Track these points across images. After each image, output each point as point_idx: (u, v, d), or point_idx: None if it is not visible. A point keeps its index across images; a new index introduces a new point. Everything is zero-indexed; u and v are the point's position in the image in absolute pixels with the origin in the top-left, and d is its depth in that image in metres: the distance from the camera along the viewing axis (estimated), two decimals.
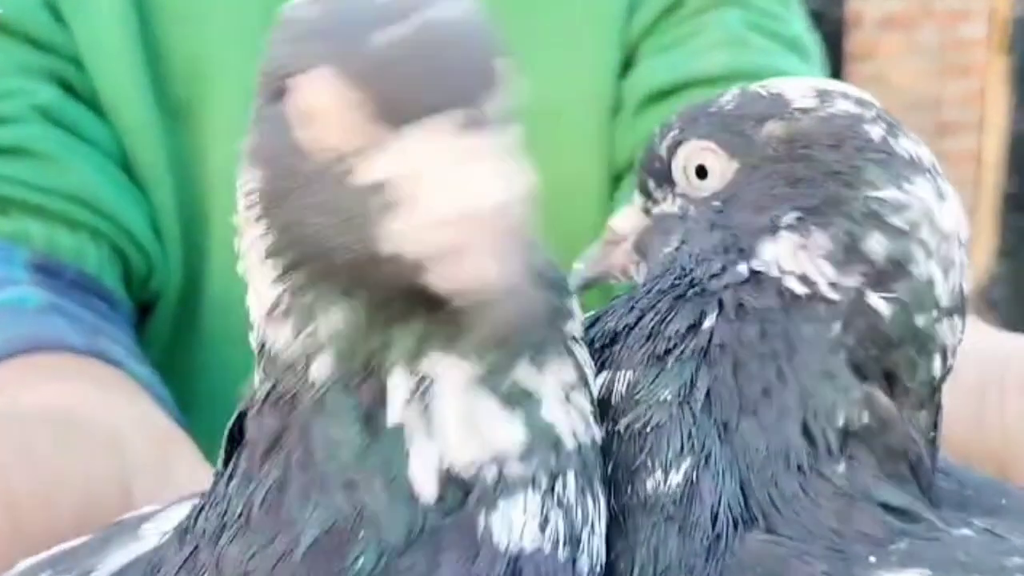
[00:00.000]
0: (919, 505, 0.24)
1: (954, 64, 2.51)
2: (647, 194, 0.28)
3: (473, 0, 0.23)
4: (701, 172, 0.26)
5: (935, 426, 0.25)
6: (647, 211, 0.28)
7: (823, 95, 0.24)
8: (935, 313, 0.22)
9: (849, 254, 0.23)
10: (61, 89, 0.49)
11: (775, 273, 0.24)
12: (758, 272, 0.24)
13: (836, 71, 2.32)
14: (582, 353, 0.24)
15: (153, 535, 0.26)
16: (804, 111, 0.24)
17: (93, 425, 0.34)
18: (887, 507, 0.23)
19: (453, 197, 0.21)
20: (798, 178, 0.23)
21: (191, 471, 0.35)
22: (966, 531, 0.24)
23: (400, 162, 0.21)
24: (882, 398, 0.23)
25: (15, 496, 0.30)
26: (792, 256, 0.23)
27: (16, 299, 0.43)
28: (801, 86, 0.25)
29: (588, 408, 0.24)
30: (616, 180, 0.53)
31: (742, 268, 0.24)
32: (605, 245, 0.30)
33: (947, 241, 0.22)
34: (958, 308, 0.23)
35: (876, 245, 0.22)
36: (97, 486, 0.32)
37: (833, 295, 0.23)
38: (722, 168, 0.25)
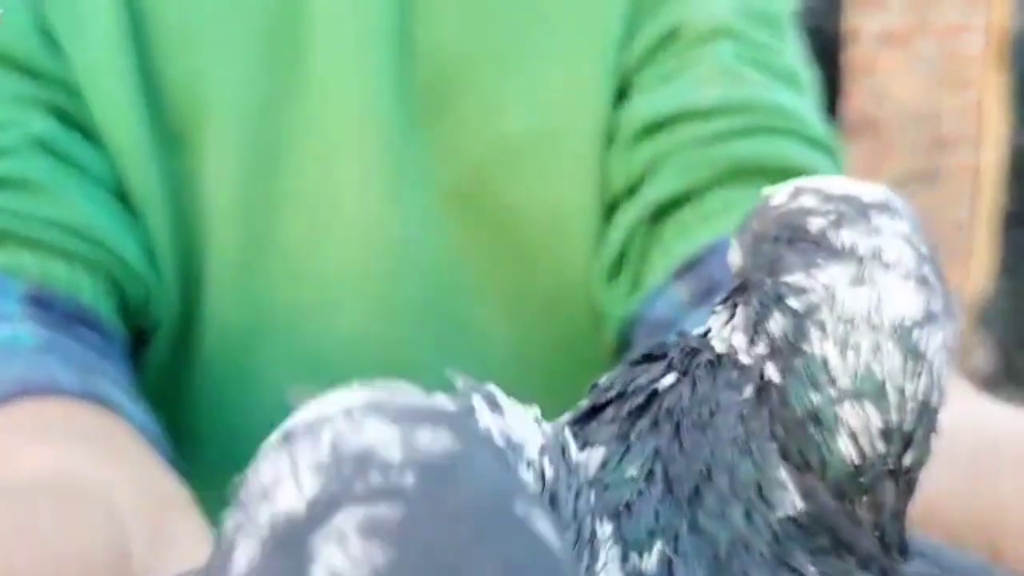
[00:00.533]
0: None
1: (953, 78, 2.51)
2: None
3: None
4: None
5: (894, 517, 0.24)
6: None
7: (796, 193, 0.26)
8: (832, 392, 0.23)
9: (757, 329, 0.24)
10: (55, 118, 0.49)
11: (711, 338, 0.26)
12: (703, 336, 0.26)
13: (834, 86, 2.33)
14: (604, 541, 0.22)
15: None
16: (774, 208, 0.25)
17: (92, 494, 0.34)
18: None
19: None
20: (747, 267, 0.26)
21: (191, 535, 0.35)
22: None
23: None
24: (810, 482, 0.24)
25: (17, 573, 0.30)
26: (722, 327, 0.26)
27: (9, 338, 0.43)
28: (790, 185, 0.26)
29: None
30: (610, 209, 0.53)
31: (696, 332, 0.26)
32: None
33: (850, 325, 0.23)
34: (867, 392, 0.23)
35: (774, 324, 0.24)
36: (97, 557, 0.32)
37: (746, 359, 0.25)
38: (733, 261, 0.27)
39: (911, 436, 0.24)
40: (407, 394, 0.17)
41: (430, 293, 0.54)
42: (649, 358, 0.27)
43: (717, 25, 0.52)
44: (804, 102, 0.53)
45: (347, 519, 0.14)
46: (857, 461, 0.23)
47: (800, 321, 0.24)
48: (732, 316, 0.26)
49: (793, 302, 0.24)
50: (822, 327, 0.24)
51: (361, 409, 0.16)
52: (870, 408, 0.23)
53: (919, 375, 0.24)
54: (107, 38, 0.49)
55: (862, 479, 0.24)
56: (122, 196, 0.50)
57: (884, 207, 0.25)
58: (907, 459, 0.24)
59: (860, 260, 0.24)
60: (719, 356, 0.25)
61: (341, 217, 0.53)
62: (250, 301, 0.53)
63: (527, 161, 0.54)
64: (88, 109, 0.49)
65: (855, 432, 0.23)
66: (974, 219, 2.51)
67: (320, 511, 0.14)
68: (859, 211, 0.25)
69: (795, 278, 0.24)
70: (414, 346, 0.54)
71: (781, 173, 0.50)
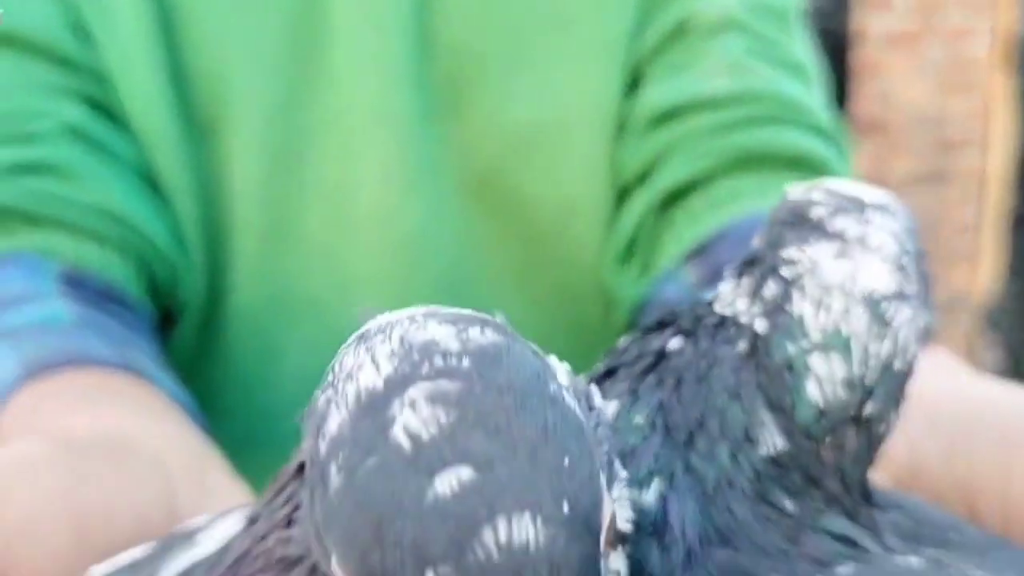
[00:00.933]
0: (862, 534, 0.27)
1: (959, 81, 2.53)
2: None
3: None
4: None
5: (855, 461, 0.28)
6: None
7: (811, 188, 0.29)
8: (805, 343, 0.27)
9: (755, 293, 0.28)
10: (87, 106, 0.51)
11: (718, 303, 0.29)
12: (711, 302, 0.29)
13: (841, 89, 2.34)
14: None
15: (209, 542, 0.27)
16: (791, 200, 0.29)
17: (140, 448, 0.36)
18: (832, 535, 0.27)
19: None
20: (759, 246, 0.30)
21: (227, 487, 0.37)
22: (912, 559, 0.27)
23: None
24: (787, 424, 0.27)
25: (79, 517, 0.32)
26: (729, 293, 0.29)
27: (48, 316, 0.44)
28: (811, 183, 0.30)
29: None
30: (622, 196, 0.55)
31: (708, 299, 0.30)
32: None
33: (826, 290, 0.27)
34: (835, 346, 0.27)
35: (768, 289, 0.28)
36: (148, 505, 0.34)
37: (744, 319, 0.28)
38: (754, 242, 0.31)
39: (872, 390, 0.27)
40: (457, 310, 0.20)
41: (446, 278, 0.56)
42: (661, 324, 0.30)
43: (726, 18, 0.54)
44: (810, 93, 0.54)
45: (418, 391, 0.17)
46: (822, 405, 0.27)
47: (787, 286, 0.28)
48: (739, 285, 0.29)
49: (785, 271, 0.28)
50: (803, 290, 0.27)
51: (422, 315, 0.20)
52: (835, 359, 0.27)
53: (883, 339, 0.27)
54: (137, 34, 0.51)
55: (826, 422, 0.27)
56: (151, 181, 0.52)
57: (882, 207, 0.29)
58: (867, 409, 0.27)
59: (846, 241, 0.28)
60: (723, 318, 0.29)
61: (361, 205, 0.54)
62: (273, 285, 0.55)
63: (540, 152, 0.55)
64: (119, 98, 0.51)
65: (820, 379, 0.27)
66: (981, 221, 2.52)
67: (396, 386, 0.18)
68: (857, 206, 0.29)
69: (789, 252, 0.28)
70: None
71: (787, 161, 0.52)
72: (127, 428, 0.37)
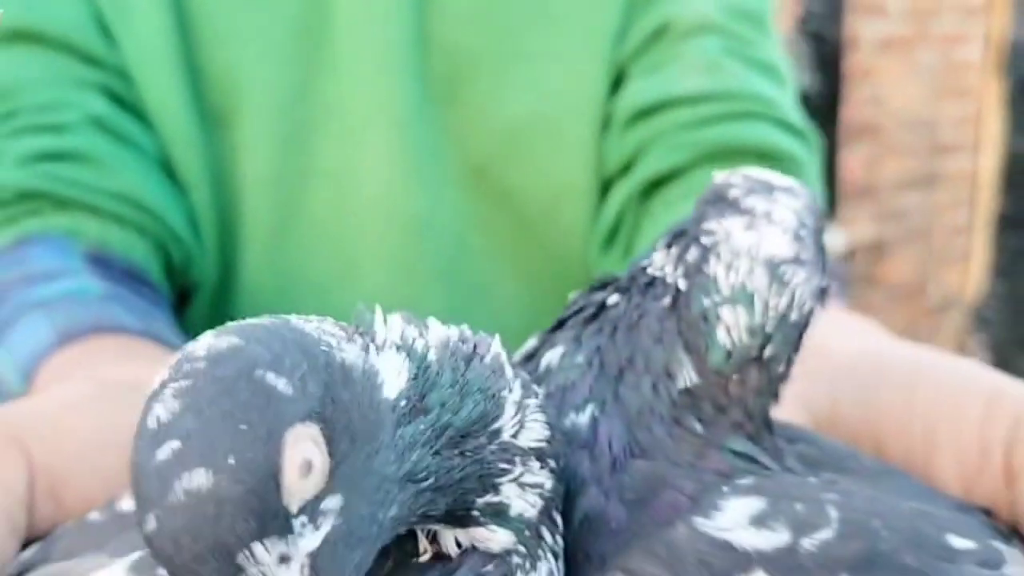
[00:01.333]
0: (763, 455, 0.33)
1: (951, 86, 2.56)
2: None
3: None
4: None
5: (758, 394, 0.33)
6: None
7: (732, 174, 0.35)
8: (717, 298, 0.33)
9: (680, 258, 0.34)
10: (110, 99, 0.55)
11: (650, 266, 0.35)
12: (645, 266, 0.35)
13: (834, 93, 2.38)
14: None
15: None
16: (716, 184, 0.35)
17: None
18: (735, 453, 0.33)
19: None
20: (685, 221, 0.35)
21: None
22: (810, 479, 0.33)
23: None
24: (700, 363, 0.33)
25: (124, 447, 0.36)
26: (660, 258, 0.35)
27: (77, 289, 0.48)
28: (732, 171, 0.36)
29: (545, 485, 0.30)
30: (605, 187, 0.59)
31: (642, 264, 0.35)
32: None
33: (736, 255, 0.33)
34: (741, 300, 0.33)
35: (690, 255, 0.34)
36: None
37: (669, 279, 0.34)
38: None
39: (770, 336, 0.33)
40: (249, 322, 0.26)
41: (445, 259, 0.60)
42: (604, 283, 0.36)
43: (703, 21, 0.58)
44: (782, 91, 0.58)
45: (169, 390, 0.24)
46: (730, 348, 0.33)
47: (705, 251, 0.33)
48: (668, 252, 0.35)
49: (704, 240, 0.34)
50: (718, 255, 0.33)
51: (214, 332, 0.25)
52: (741, 311, 0.33)
53: (781, 295, 0.33)
54: (154, 33, 0.55)
55: (732, 362, 0.33)
56: (168, 170, 0.56)
57: (788, 189, 0.35)
58: (767, 352, 0.33)
59: (755, 216, 0.34)
60: (653, 278, 0.35)
61: (364, 192, 0.58)
62: (281, 266, 0.58)
63: (530, 144, 0.59)
64: (139, 92, 0.55)
65: (729, 327, 0.33)
66: (971, 223, 2.56)
67: (160, 388, 0.24)
68: (767, 188, 0.34)
69: (709, 225, 0.34)
70: (431, 307, 0.59)
71: (757, 155, 0.56)
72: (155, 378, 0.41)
